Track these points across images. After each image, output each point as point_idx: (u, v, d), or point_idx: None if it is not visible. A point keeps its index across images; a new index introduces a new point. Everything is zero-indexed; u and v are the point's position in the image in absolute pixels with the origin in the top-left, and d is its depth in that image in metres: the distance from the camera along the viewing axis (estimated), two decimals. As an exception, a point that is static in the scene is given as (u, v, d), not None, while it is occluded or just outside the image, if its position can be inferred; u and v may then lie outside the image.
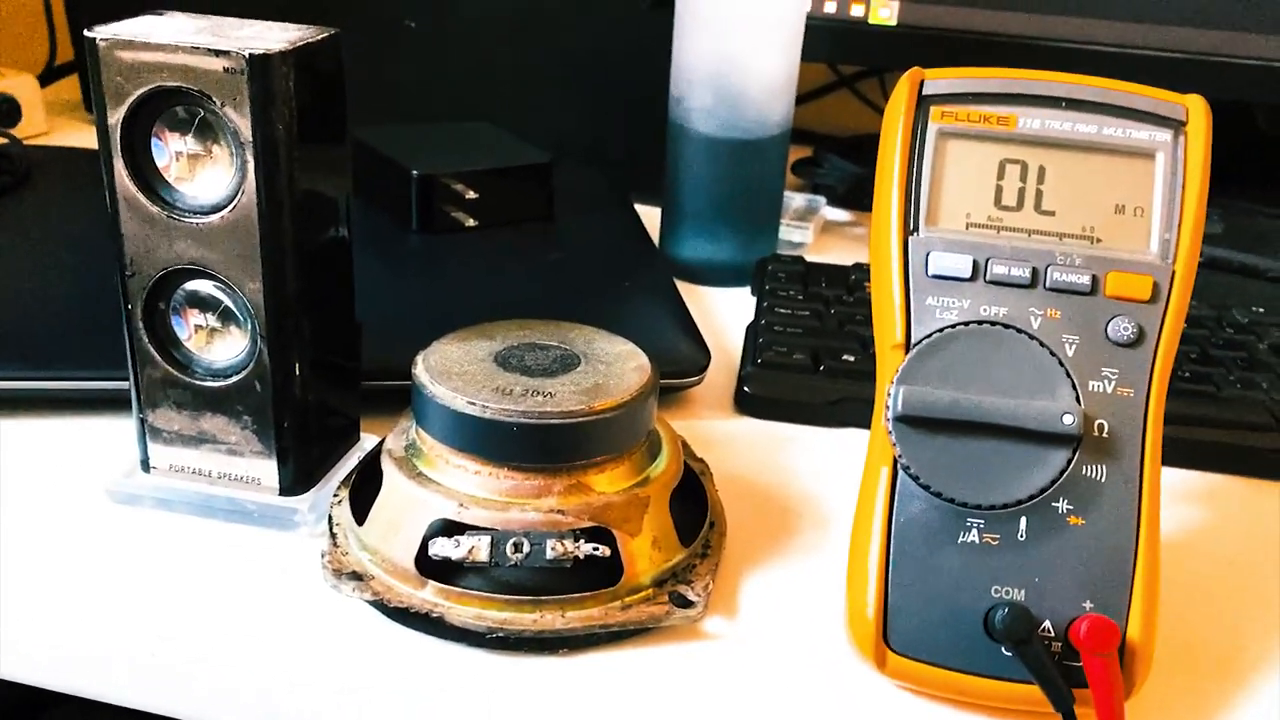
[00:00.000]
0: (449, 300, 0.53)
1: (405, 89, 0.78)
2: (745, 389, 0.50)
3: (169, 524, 0.39)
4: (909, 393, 0.33)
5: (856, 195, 0.77)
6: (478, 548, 0.35)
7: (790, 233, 0.69)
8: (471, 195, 0.61)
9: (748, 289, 0.63)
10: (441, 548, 0.35)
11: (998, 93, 0.36)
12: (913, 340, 0.34)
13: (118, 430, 0.44)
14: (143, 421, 0.40)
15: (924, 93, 0.36)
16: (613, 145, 0.77)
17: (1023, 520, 0.33)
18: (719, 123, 0.61)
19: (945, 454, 0.33)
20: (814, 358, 0.51)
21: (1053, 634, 0.32)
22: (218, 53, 0.34)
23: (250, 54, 0.34)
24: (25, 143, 0.71)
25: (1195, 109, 0.35)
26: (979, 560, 0.33)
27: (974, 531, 0.33)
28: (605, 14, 0.75)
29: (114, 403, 0.44)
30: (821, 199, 0.74)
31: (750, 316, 0.58)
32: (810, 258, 0.63)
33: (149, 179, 0.36)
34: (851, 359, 0.51)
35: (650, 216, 0.68)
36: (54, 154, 0.71)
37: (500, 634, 0.34)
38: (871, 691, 0.34)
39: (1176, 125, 0.35)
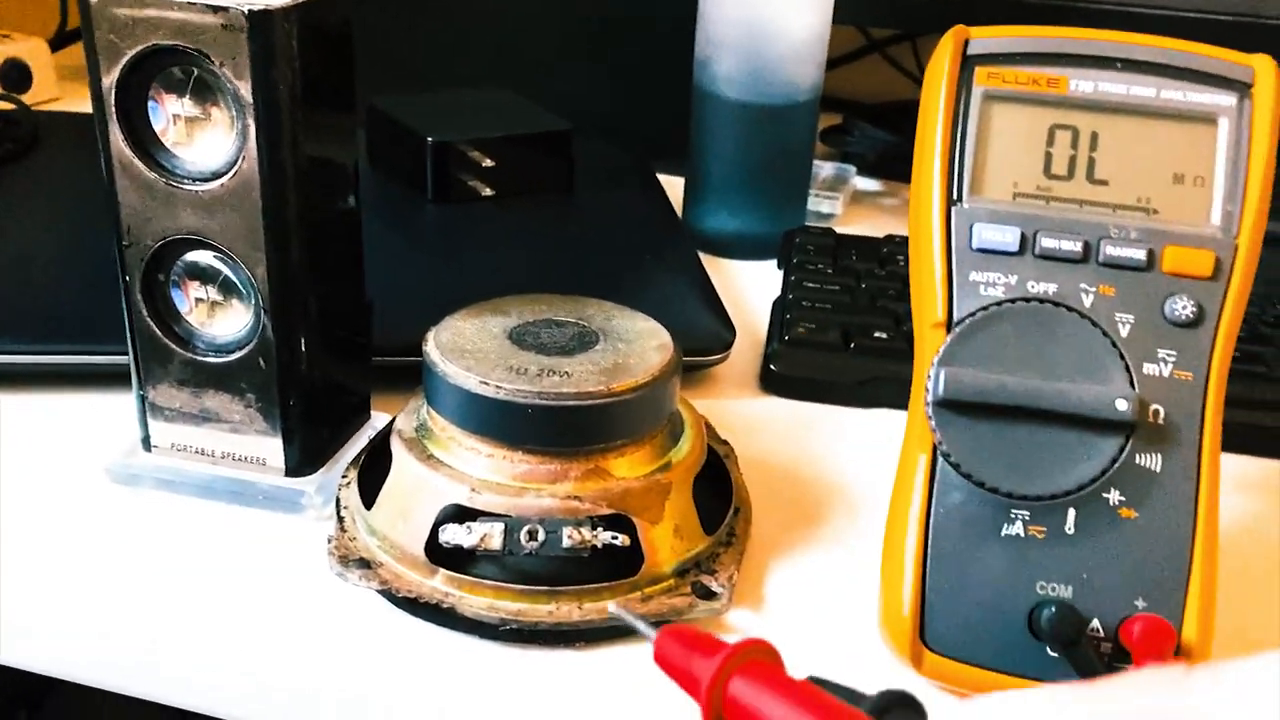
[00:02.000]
0: (464, 273, 0.51)
1: (419, 55, 0.76)
2: (771, 367, 0.48)
3: (171, 505, 0.38)
4: (951, 375, 0.31)
5: (888, 164, 0.74)
6: (490, 535, 0.33)
7: (819, 203, 0.67)
8: (488, 163, 0.58)
9: (774, 262, 0.61)
10: (453, 535, 0.33)
11: (1048, 53, 0.33)
12: (955, 318, 0.32)
13: (120, 407, 0.42)
14: (143, 398, 0.38)
15: (968, 52, 0.34)
16: (633, 113, 0.74)
17: (1071, 512, 0.31)
18: (746, 87, 0.59)
19: (989, 441, 0.31)
20: (844, 335, 0.49)
21: (1102, 634, 0.30)
22: (215, 8, 0.32)
23: (250, 10, 0.31)
24: (36, 108, 0.70)
25: (1263, 70, 0.33)
26: (1023, 554, 0.31)
27: (1018, 524, 0.31)
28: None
29: (116, 378, 0.42)
30: (851, 168, 0.72)
31: (777, 291, 0.56)
32: (840, 229, 0.61)
33: (146, 144, 0.34)
34: (884, 336, 0.48)
35: (673, 187, 0.66)
36: (64, 120, 0.69)
37: (514, 626, 0.33)
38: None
39: (1242, 88, 0.33)
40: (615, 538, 0.33)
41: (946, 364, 0.32)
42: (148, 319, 0.36)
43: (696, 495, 0.36)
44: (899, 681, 0.32)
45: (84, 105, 0.79)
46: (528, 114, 0.63)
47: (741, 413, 0.46)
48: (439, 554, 0.34)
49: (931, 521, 0.32)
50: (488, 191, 0.59)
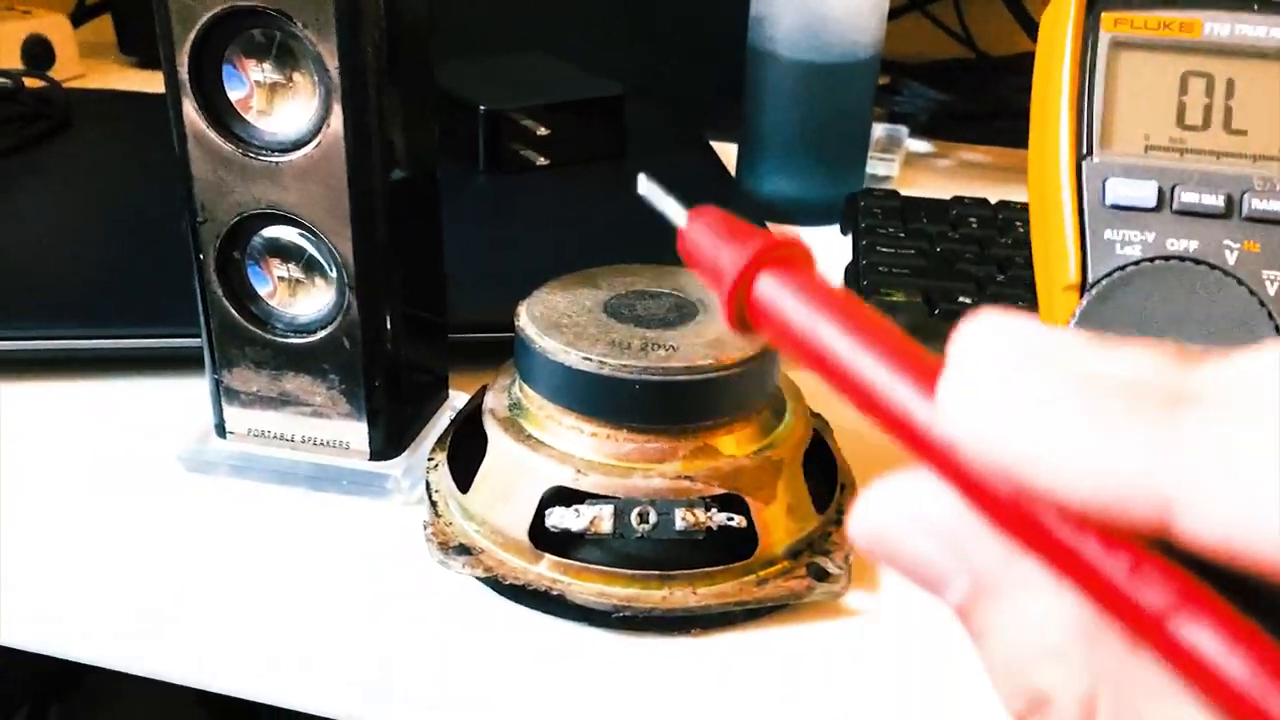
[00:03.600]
0: (528, 245, 0.50)
1: (454, 20, 0.74)
2: (852, 335, 0.46)
3: (248, 493, 0.36)
4: (1091, 340, 0.29)
5: (940, 124, 0.72)
6: (600, 518, 0.31)
7: (874, 166, 0.65)
8: (542, 131, 0.56)
9: (835, 227, 0.59)
10: (561, 518, 0.31)
11: (1179, -5, 0.32)
12: (1089, 280, 0.30)
13: (190, 391, 0.41)
14: (218, 383, 0.36)
15: (1093, -3, 0.32)
16: (680, 77, 0.72)
17: (1220, 482, 0.29)
18: (805, 46, 0.56)
19: (1130, 408, 0.29)
20: (926, 300, 0.47)
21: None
22: (298, -35, 0.30)
23: (336, -34, 0.30)
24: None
25: None
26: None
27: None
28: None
29: (185, 361, 0.41)
30: (904, 129, 0.70)
31: (844, 257, 0.54)
32: (902, 192, 0.59)
33: (221, 113, 0.32)
34: (968, 301, 0.47)
35: (723, 153, 0.63)
36: (92, 97, 0.67)
37: (627, 613, 0.31)
38: (1043, 673, 0.31)
39: (1389, 28, 0.31)
40: (731, 519, 0.32)
41: (1084, 329, 0.30)
42: (223, 299, 0.35)
43: (805, 473, 0.34)
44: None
45: (109, 82, 0.77)
46: (576, 78, 0.61)
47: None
48: (543, 538, 0.32)
49: (1070, 495, 0.30)
50: (541, 160, 0.57)
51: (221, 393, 0.36)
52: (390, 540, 0.34)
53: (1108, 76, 0.32)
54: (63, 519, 0.35)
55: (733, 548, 0.32)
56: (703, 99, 0.69)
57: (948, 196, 0.58)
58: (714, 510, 0.32)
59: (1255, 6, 0.31)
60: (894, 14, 0.85)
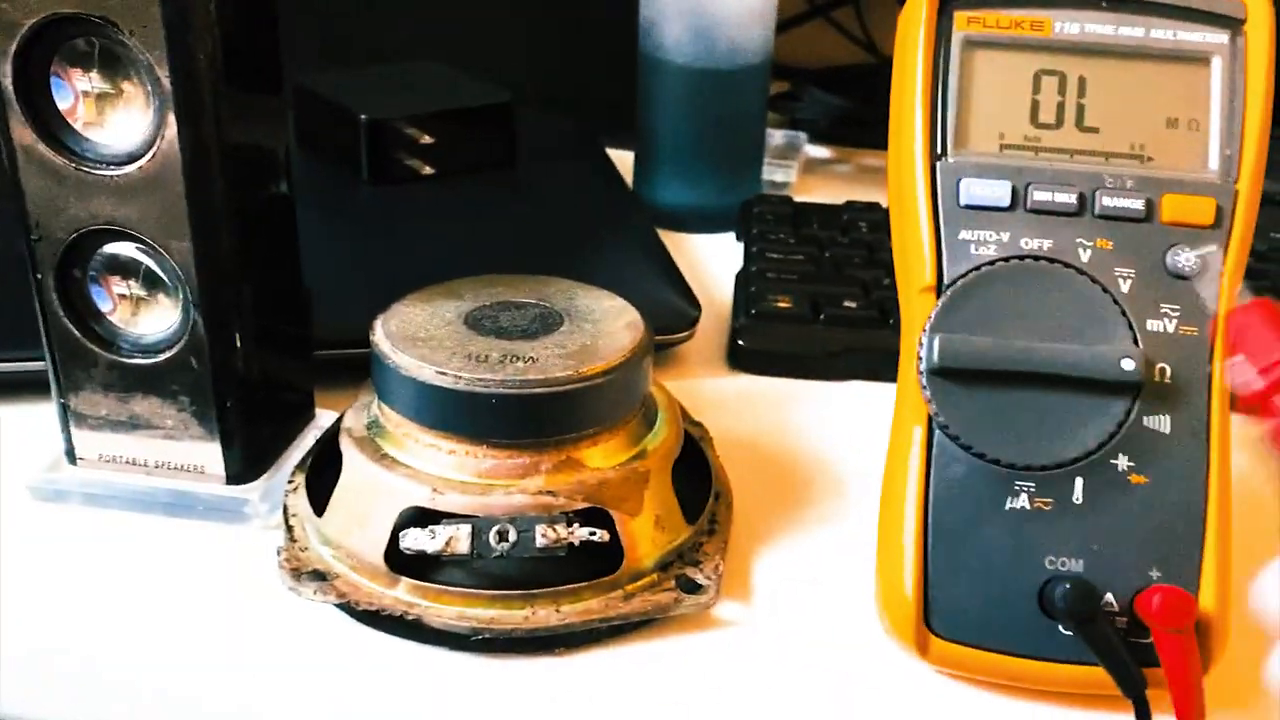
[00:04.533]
0: (407, 256, 0.48)
1: (345, 28, 0.72)
2: (739, 343, 0.46)
3: (102, 522, 0.35)
4: (945, 342, 0.29)
5: (840, 130, 0.72)
6: (457, 538, 0.30)
7: (772, 172, 0.65)
8: (426, 140, 0.55)
9: (733, 234, 0.59)
10: (415, 540, 0.30)
11: (1030, -7, 0.31)
12: (945, 281, 0.30)
13: (42, 417, 0.39)
14: (64, 407, 0.35)
15: (946, -4, 0.32)
16: (576, 84, 0.71)
17: (1078, 481, 0.29)
18: (692, 52, 0.56)
19: (988, 409, 0.29)
20: (812, 306, 0.47)
21: (1116, 608, 0.29)
22: (120, -31, 0.28)
23: (159, -30, 0.28)
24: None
25: (1256, 6, 0.31)
26: (1031, 528, 0.29)
27: (1024, 496, 0.29)
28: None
29: (36, 386, 0.39)
30: (803, 135, 0.70)
31: (738, 263, 0.53)
32: (796, 198, 0.59)
33: (51, 126, 0.31)
34: (853, 305, 0.46)
35: (622, 161, 0.63)
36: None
37: (487, 635, 0.30)
38: (912, 680, 0.30)
39: (1234, 25, 0.31)
40: (593, 533, 0.31)
41: (939, 330, 0.30)
42: (64, 320, 0.33)
43: (675, 482, 0.34)
44: (904, 670, 0.30)
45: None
46: (465, 87, 0.60)
47: (711, 392, 0.44)
48: (400, 561, 0.31)
49: (931, 499, 0.29)
50: (427, 170, 0.56)
51: (69, 417, 0.35)
52: (247, 567, 0.33)
53: (961, 76, 0.31)
54: (-106, 556, 0.33)
55: (600, 563, 0.31)
56: (601, 107, 0.68)
57: (843, 201, 0.58)
58: (576, 525, 0.31)
59: (1104, 4, 0.31)
60: (795, 20, 0.86)
